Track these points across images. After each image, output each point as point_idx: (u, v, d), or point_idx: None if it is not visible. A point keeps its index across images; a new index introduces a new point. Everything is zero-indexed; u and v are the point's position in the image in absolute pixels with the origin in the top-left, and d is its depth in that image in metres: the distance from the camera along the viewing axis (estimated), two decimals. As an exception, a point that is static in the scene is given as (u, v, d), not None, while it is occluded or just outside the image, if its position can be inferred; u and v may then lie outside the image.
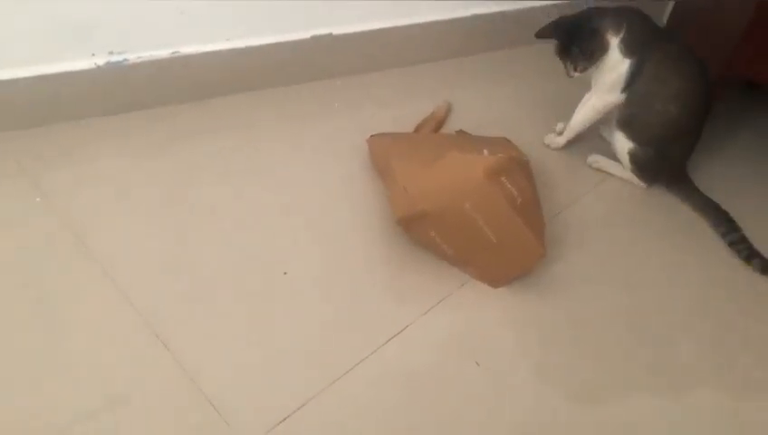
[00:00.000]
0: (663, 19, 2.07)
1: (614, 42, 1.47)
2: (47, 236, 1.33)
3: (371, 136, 1.58)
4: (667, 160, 1.58)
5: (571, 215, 1.57)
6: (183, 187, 1.48)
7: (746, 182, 1.73)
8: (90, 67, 1.52)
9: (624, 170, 1.64)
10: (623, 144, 1.58)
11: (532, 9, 1.97)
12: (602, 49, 1.47)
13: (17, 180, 1.42)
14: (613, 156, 1.64)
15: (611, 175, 1.66)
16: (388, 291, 1.35)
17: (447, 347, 1.28)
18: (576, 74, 1.51)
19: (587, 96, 1.62)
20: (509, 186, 1.31)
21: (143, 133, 1.57)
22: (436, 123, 1.69)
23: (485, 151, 1.40)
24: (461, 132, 1.65)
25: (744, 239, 1.51)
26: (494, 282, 1.38)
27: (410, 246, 1.41)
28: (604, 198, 1.62)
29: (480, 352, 1.28)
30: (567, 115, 1.67)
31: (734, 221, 1.54)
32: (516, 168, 1.36)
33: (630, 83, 1.50)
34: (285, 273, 1.34)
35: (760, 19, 1.55)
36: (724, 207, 1.57)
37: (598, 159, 1.67)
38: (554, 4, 1.99)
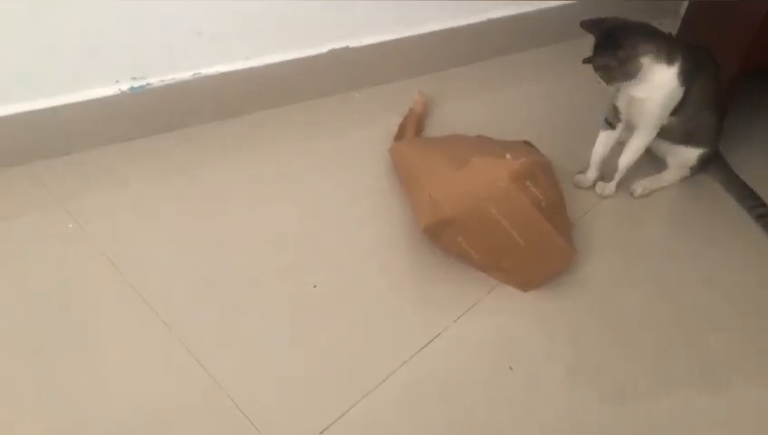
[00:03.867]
0: (681, 8, 2.06)
1: (671, 72, 1.40)
2: (81, 262, 1.36)
3: (394, 144, 1.59)
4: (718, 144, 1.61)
5: (598, 215, 1.56)
6: (211, 206, 1.50)
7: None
8: (114, 93, 1.55)
9: (671, 176, 1.62)
10: (691, 154, 1.57)
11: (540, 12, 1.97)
12: (629, 67, 1.37)
13: (50, 208, 1.45)
14: (641, 171, 1.63)
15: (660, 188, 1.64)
16: (418, 300, 1.36)
17: (480, 353, 1.28)
18: (601, 82, 1.42)
19: (604, 135, 1.56)
20: (534, 190, 1.31)
21: (169, 155, 1.60)
22: (416, 120, 1.68)
23: (508, 156, 1.40)
24: (481, 137, 1.66)
25: None
26: (524, 285, 1.38)
27: (437, 255, 1.41)
28: (628, 196, 1.61)
29: (513, 356, 1.27)
30: (577, 116, 1.66)
31: (760, 197, 1.56)
32: (540, 172, 1.35)
33: (679, 108, 1.46)
34: (315, 286, 1.36)
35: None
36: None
37: (643, 184, 1.62)
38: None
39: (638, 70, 1.38)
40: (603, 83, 1.41)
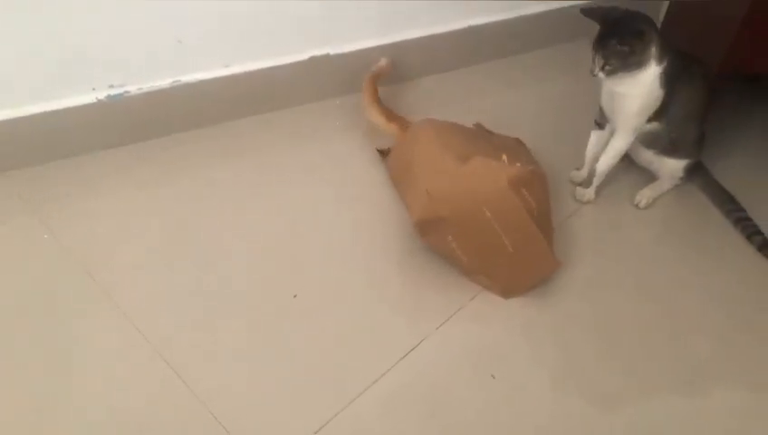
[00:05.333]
0: (660, 15, 2.07)
1: (656, 70, 1.40)
2: (56, 273, 1.34)
3: (399, 133, 1.58)
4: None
5: (579, 220, 1.56)
6: (189, 215, 1.48)
7: (751, 171, 1.72)
8: (91, 101, 1.53)
9: (666, 184, 1.63)
10: (676, 165, 1.58)
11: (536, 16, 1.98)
12: (641, 56, 1.36)
13: (24, 218, 1.43)
14: (639, 180, 1.64)
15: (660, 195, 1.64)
16: (400, 308, 1.35)
17: (462, 361, 1.27)
18: (600, 74, 1.38)
19: (594, 135, 1.58)
20: (528, 197, 1.31)
21: (147, 164, 1.58)
22: (373, 80, 1.69)
23: (504, 157, 1.39)
24: (478, 126, 1.63)
25: (748, 218, 1.55)
26: (506, 292, 1.37)
27: (420, 262, 1.41)
28: (610, 201, 1.61)
29: (495, 364, 1.27)
30: (573, 116, 1.67)
31: (738, 202, 1.58)
32: (536, 180, 1.36)
33: (661, 113, 1.46)
34: (295, 296, 1.34)
35: (756, 12, 1.55)
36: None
37: (646, 194, 1.61)
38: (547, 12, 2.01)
39: (648, 60, 1.38)
40: (604, 75, 1.38)
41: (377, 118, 1.63)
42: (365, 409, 1.18)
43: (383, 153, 1.62)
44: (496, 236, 1.31)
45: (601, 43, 1.36)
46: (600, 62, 1.37)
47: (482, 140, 1.54)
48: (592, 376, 1.27)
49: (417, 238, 1.40)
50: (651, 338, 1.34)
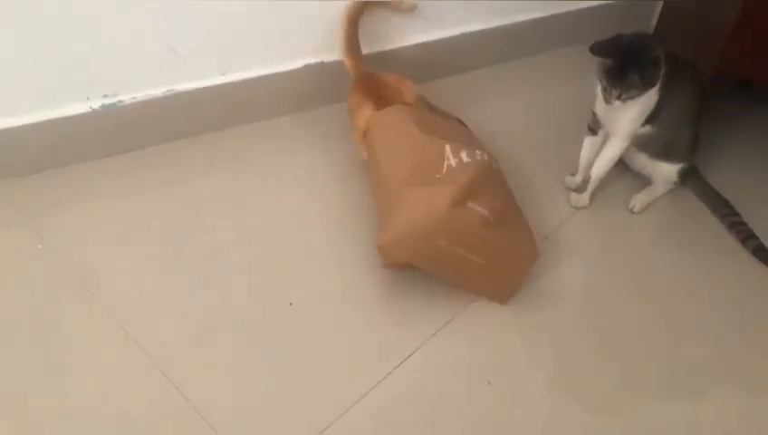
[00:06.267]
0: (652, 20, 2.08)
1: None
2: (50, 283, 1.33)
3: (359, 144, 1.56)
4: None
5: (574, 225, 1.56)
6: (185, 224, 1.48)
7: (745, 176, 1.73)
8: (85, 111, 1.53)
9: (660, 189, 1.63)
10: (670, 169, 1.58)
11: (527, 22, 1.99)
12: (657, 78, 1.37)
13: (17, 228, 1.42)
14: (634, 185, 1.65)
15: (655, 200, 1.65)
16: (395, 316, 1.35)
17: (458, 368, 1.27)
18: (617, 103, 1.38)
19: (588, 140, 1.58)
20: (478, 208, 1.26)
21: (141, 173, 1.58)
22: (350, 21, 1.66)
23: (448, 149, 1.33)
24: (421, 99, 1.59)
25: (742, 222, 1.55)
26: (498, 298, 1.37)
27: (413, 271, 1.41)
28: (605, 206, 1.62)
29: (491, 370, 1.27)
30: (566, 120, 1.67)
31: (732, 206, 1.58)
32: (480, 185, 1.28)
33: (654, 116, 1.47)
34: (291, 304, 1.34)
35: (746, 17, 1.56)
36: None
37: (640, 199, 1.61)
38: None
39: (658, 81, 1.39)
40: (620, 103, 1.38)
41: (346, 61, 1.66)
42: (361, 417, 1.17)
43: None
44: (461, 257, 1.28)
45: (620, 78, 1.35)
46: (616, 93, 1.37)
47: (423, 145, 1.38)
48: (589, 381, 1.27)
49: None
50: (647, 342, 1.34)
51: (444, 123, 1.54)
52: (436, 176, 1.30)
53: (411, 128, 1.40)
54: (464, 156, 1.33)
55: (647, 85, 1.37)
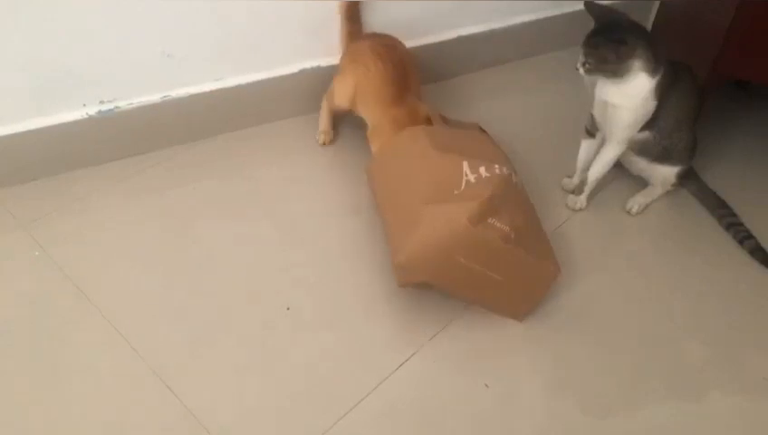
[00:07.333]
0: (649, 20, 2.08)
1: (650, 84, 1.40)
2: (48, 290, 1.33)
3: (368, 166, 1.53)
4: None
5: (572, 227, 1.56)
6: (182, 229, 1.48)
7: (742, 176, 1.73)
8: (82, 117, 1.54)
9: (659, 190, 1.63)
10: (669, 172, 1.58)
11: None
12: (617, 65, 1.37)
13: (14, 235, 1.42)
14: (631, 187, 1.65)
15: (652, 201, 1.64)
16: (393, 319, 1.34)
17: (455, 372, 1.27)
18: (581, 69, 1.39)
19: (585, 143, 1.58)
20: (499, 225, 1.23)
21: (138, 179, 1.58)
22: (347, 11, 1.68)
23: (466, 166, 1.30)
24: (435, 116, 1.53)
25: (740, 223, 1.55)
26: (514, 315, 1.35)
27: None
28: (602, 208, 1.62)
29: (488, 373, 1.26)
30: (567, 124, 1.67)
31: (730, 207, 1.58)
32: (501, 201, 1.25)
33: (652, 121, 1.47)
34: (288, 308, 1.34)
35: (741, 18, 1.56)
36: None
37: (638, 201, 1.62)
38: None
39: (628, 72, 1.38)
40: (583, 71, 1.39)
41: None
42: (359, 422, 1.17)
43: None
44: (482, 274, 1.26)
45: (587, 41, 1.38)
46: (582, 58, 1.39)
47: (440, 163, 1.35)
48: (587, 383, 1.27)
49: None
50: (646, 343, 1.34)
51: (461, 136, 1.51)
52: (455, 192, 1.27)
53: (426, 148, 1.38)
54: (482, 171, 1.30)
55: (602, 59, 1.36)
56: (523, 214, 1.35)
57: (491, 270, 1.26)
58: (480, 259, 1.24)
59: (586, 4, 1.42)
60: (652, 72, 1.39)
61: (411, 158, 1.41)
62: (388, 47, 1.60)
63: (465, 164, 1.31)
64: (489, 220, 1.22)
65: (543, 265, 1.31)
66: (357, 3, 1.69)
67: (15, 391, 1.18)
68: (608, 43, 1.36)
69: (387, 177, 1.45)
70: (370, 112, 1.60)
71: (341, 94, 1.62)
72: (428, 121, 1.52)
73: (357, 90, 1.59)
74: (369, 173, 1.52)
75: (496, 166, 1.33)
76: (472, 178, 1.29)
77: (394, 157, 1.46)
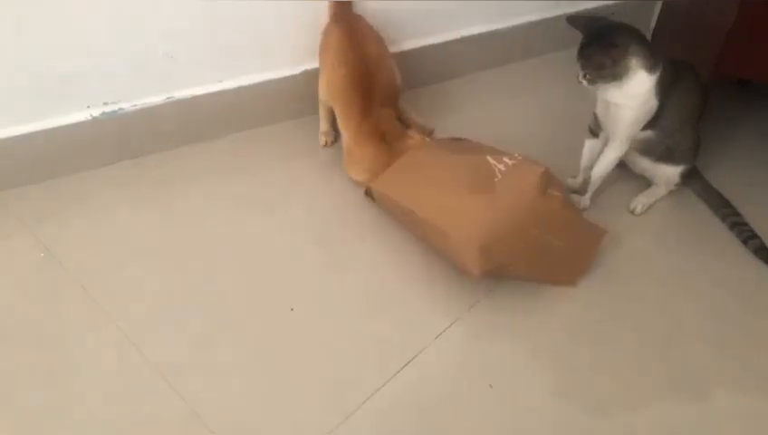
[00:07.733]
0: (652, 20, 2.08)
1: (650, 81, 1.40)
2: (54, 291, 1.34)
3: (373, 188, 1.51)
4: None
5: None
6: (186, 230, 1.48)
7: (745, 176, 1.72)
8: (86, 119, 1.54)
9: (662, 190, 1.63)
10: (673, 171, 1.58)
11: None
12: (615, 69, 1.37)
13: (20, 238, 1.43)
14: (634, 187, 1.65)
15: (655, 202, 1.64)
16: (397, 319, 1.34)
17: (459, 372, 1.27)
18: (583, 82, 1.40)
19: (589, 142, 1.58)
20: (556, 193, 1.35)
21: (142, 181, 1.58)
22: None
23: (490, 159, 1.37)
24: (456, 140, 1.60)
25: (744, 222, 1.55)
26: (570, 281, 1.42)
27: (415, 274, 1.41)
28: (606, 208, 1.61)
29: (493, 373, 1.26)
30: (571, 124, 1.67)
31: (733, 206, 1.58)
32: (551, 175, 1.36)
33: (655, 120, 1.47)
34: (292, 309, 1.34)
35: (744, 17, 1.56)
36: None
37: (641, 201, 1.61)
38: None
39: (627, 72, 1.38)
40: (585, 83, 1.40)
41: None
42: (363, 421, 1.17)
43: (370, 195, 1.55)
44: (548, 244, 1.35)
45: (580, 53, 1.39)
46: (581, 72, 1.40)
47: (469, 157, 1.44)
48: (591, 384, 1.26)
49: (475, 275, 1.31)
50: (648, 343, 1.34)
51: (460, 143, 1.57)
52: (495, 180, 1.34)
53: (444, 156, 1.46)
54: (507, 160, 1.38)
55: (600, 66, 1.37)
56: (564, 190, 1.43)
57: (556, 237, 1.35)
58: (548, 228, 1.34)
59: (568, 18, 1.43)
60: (650, 68, 1.39)
61: (430, 168, 1.45)
62: (352, 46, 1.57)
63: (489, 158, 1.38)
64: (548, 190, 1.33)
65: (594, 226, 1.43)
66: (347, 3, 1.69)
67: (21, 390, 1.18)
68: (599, 49, 1.37)
69: (408, 188, 1.44)
70: (340, 123, 1.61)
71: (320, 86, 1.64)
72: (391, 131, 1.55)
73: (327, 86, 1.62)
74: (376, 193, 1.51)
75: (513, 154, 1.40)
76: (501, 167, 1.36)
77: (406, 172, 1.47)
